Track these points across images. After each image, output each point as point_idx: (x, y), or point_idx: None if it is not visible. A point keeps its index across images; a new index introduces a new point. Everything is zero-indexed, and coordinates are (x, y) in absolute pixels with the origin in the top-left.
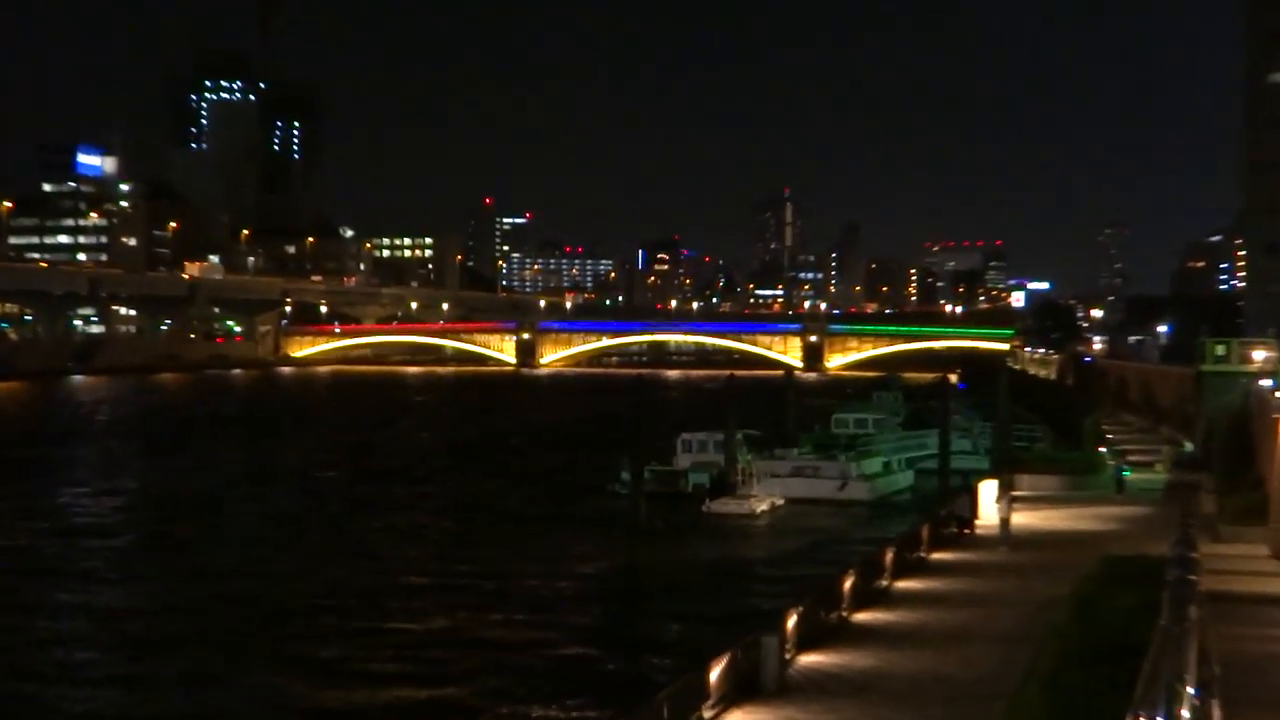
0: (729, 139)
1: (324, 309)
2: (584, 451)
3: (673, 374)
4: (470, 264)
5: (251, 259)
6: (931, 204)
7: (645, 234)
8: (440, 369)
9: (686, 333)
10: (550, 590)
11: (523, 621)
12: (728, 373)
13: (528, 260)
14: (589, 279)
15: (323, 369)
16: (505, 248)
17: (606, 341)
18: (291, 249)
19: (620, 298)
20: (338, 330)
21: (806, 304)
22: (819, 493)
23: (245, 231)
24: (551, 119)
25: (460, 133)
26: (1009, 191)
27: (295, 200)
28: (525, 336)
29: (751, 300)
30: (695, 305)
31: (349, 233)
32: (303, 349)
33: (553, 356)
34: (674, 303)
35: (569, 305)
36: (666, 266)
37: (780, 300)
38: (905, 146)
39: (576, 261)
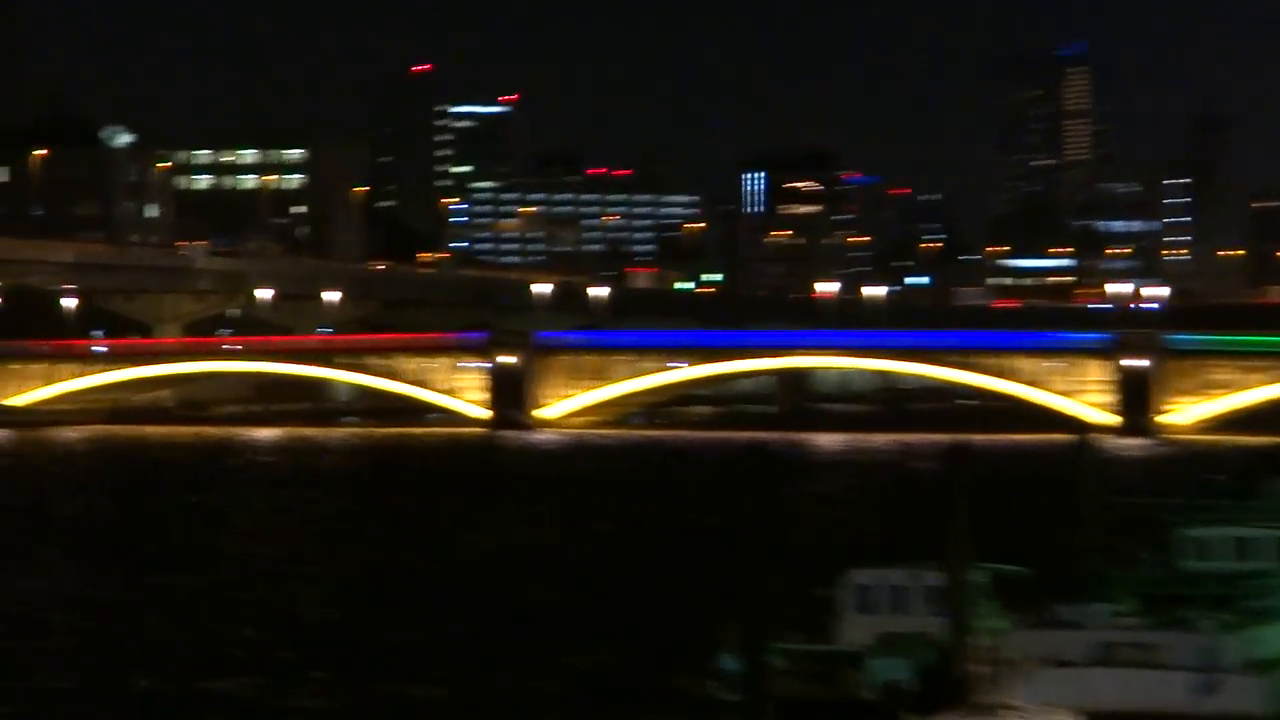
0: None
1: (71, 304)
2: (641, 610)
3: (830, 440)
4: (388, 205)
5: None
6: None
7: (763, 142)
8: (324, 431)
9: (856, 351)
10: None
11: None
12: (949, 439)
13: (505, 198)
14: (645, 237)
15: (71, 431)
16: (459, 169)
17: (685, 372)
18: (1, 173)
19: (716, 276)
20: (102, 349)
21: (1112, 289)
22: (1158, 701)
23: None
24: None
25: None
26: None
27: (7, 69)
28: (509, 361)
29: (993, 282)
30: (870, 292)
31: (123, 138)
32: (25, 390)
33: (568, 404)
34: (827, 287)
35: (600, 295)
36: (814, 208)
37: (1072, 280)
38: None
39: (618, 201)
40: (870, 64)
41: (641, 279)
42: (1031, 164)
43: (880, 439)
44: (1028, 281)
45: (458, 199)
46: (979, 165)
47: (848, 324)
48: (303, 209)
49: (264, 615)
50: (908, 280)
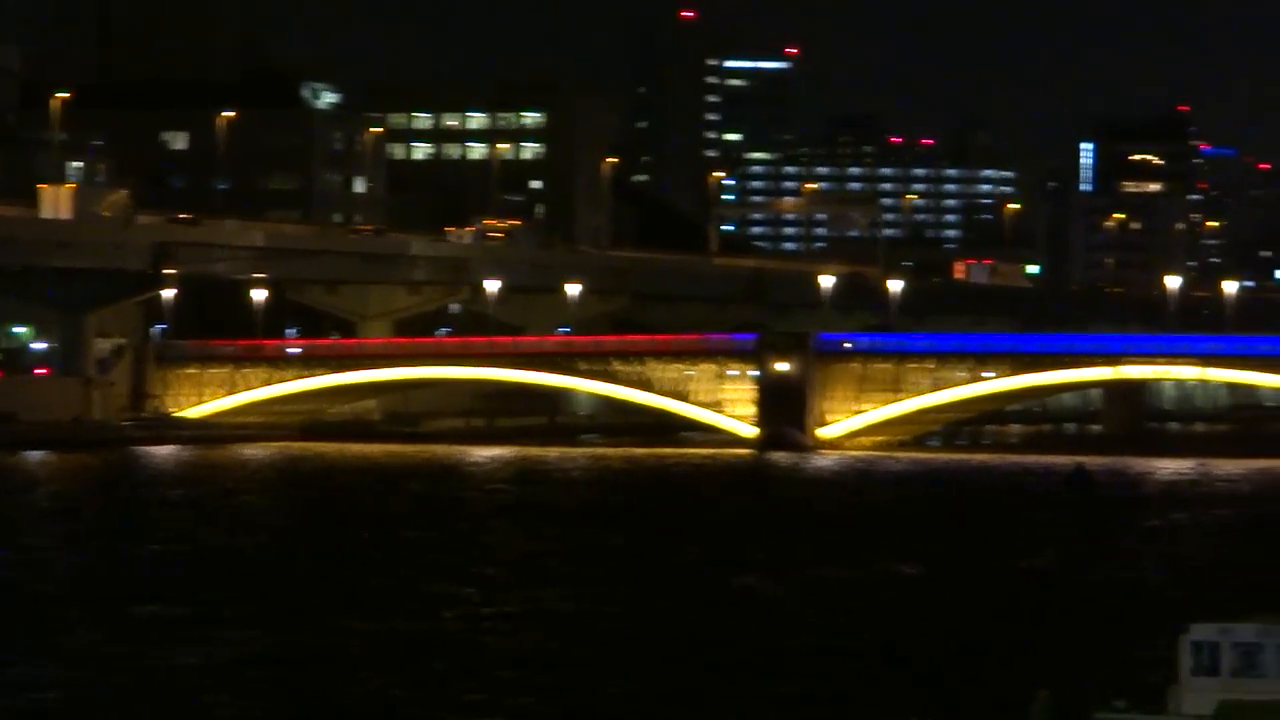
0: None
1: (260, 296)
2: (935, 671)
3: (1170, 467)
4: (643, 179)
5: (78, 164)
6: None
7: (1094, 106)
8: (561, 451)
9: (1206, 360)
10: None
11: None
12: None
13: (785, 171)
14: (955, 219)
15: (259, 449)
16: (730, 137)
17: (996, 384)
18: (180, 139)
19: (1036, 269)
20: (296, 351)
21: None
22: None
23: (60, 94)
24: None
25: None
26: None
27: (191, 14)
28: (782, 368)
29: None
30: (1227, 289)
31: (327, 98)
32: (205, 400)
33: (854, 421)
34: (1172, 282)
35: (895, 289)
36: (1157, 186)
37: None
38: None
39: (921, 176)
40: (1219, 13)
41: (972, 271)
42: None
43: (1232, 466)
44: None
45: (727, 173)
46: None
47: (1196, 327)
48: (540, 184)
49: (483, 664)
50: (1278, 274)
